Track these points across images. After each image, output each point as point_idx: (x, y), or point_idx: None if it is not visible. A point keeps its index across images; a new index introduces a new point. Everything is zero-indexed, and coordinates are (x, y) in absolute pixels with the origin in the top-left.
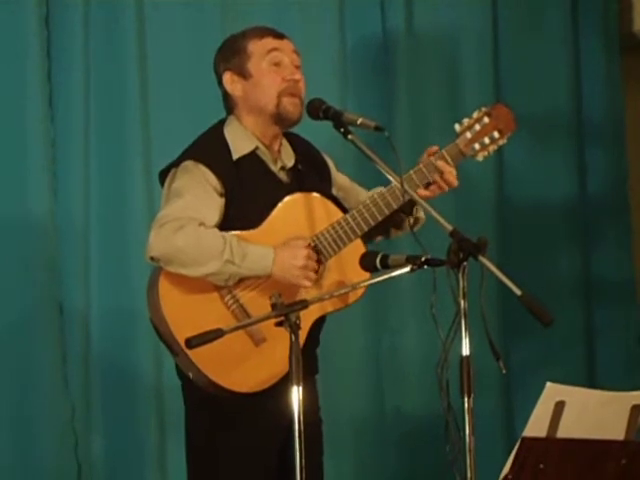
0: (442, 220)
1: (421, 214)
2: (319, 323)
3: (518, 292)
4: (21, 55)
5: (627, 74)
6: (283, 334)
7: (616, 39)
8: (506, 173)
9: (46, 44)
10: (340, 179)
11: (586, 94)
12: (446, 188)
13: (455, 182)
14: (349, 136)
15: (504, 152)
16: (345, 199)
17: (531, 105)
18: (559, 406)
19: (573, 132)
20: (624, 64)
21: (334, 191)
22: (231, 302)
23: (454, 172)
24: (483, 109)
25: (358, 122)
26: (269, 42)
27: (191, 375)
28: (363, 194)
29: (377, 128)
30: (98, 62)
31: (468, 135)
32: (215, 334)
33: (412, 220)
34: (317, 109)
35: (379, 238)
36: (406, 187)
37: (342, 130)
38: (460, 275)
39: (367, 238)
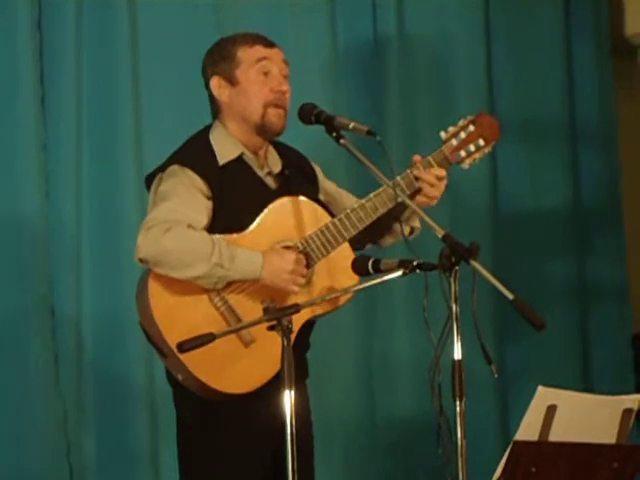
0: (434, 224)
1: (417, 223)
2: (308, 327)
3: (510, 296)
4: (13, 57)
5: (619, 78)
6: (272, 334)
7: (608, 43)
8: (500, 177)
9: (38, 46)
10: (328, 186)
11: (578, 98)
12: (432, 193)
13: (436, 182)
14: (341, 141)
15: (497, 156)
16: (333, 205)
17: (523, 109)
18: (551, 410)
19: (566, 135)
20: (616, 68)
21: (321, 197)
22: (220, 304)
23: (432, 180)
24: (468, 117)
25: (350, 126)
26: (259, 50)
27: (180, 377)
28: (351, 199)
29: (369, 133)
30: (90, 64)
31: (454, 142)
32: (206, 338)
33: (408, 229)
34: (309, 113)
35: (369, 246)
36: (397, 191)
37: (334, 135)
38: (452, 279)
39: (357, 245)
